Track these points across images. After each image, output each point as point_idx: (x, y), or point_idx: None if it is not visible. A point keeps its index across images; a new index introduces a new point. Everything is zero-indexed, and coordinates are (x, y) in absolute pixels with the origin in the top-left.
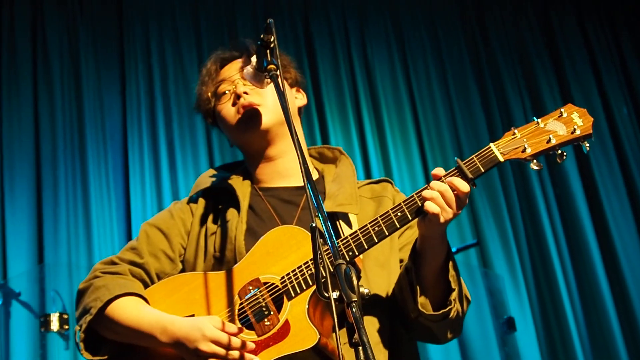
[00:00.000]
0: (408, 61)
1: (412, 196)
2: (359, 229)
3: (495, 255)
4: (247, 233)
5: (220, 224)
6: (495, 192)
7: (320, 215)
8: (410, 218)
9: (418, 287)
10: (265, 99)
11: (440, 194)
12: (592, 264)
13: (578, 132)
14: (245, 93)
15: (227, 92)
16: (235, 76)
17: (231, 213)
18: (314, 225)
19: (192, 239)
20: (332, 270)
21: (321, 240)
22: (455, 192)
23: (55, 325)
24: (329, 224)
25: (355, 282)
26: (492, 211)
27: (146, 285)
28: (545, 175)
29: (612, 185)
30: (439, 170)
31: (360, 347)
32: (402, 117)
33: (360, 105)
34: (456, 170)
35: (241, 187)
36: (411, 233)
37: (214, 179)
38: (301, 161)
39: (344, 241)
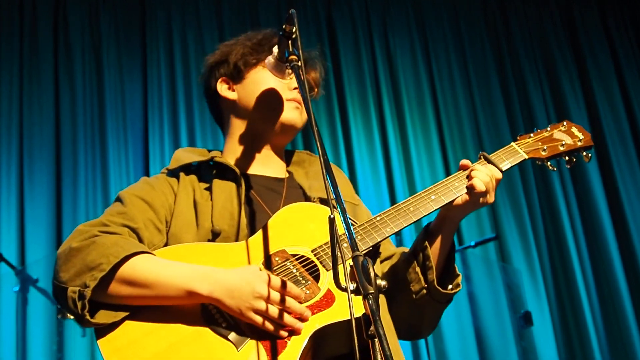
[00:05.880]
0: (430, 51)
1: (444, 182)
2: (392, 208)
3: (513, 250)
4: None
5: (215, 198)
6: (514, 187)
7: (337, 205)
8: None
9: (434, 265)
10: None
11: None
12: (610, 260)
13: (580, 143)
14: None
15: None
16: None
17: (227, 188)
18: (331, 216)
19: (179, 214)
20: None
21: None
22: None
23: None
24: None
25: (372, 274)
26: (511, 206)
27: None
28: (565, 170)
29: (631, 180)
30: (467, 162)
31: (377, 339)
32: (423, 108)
33: (381, 95)
34: (484, 162)
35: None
36: (388, 246)
37: (196, 156)
38: (320, 153)
39: (388, 213)
